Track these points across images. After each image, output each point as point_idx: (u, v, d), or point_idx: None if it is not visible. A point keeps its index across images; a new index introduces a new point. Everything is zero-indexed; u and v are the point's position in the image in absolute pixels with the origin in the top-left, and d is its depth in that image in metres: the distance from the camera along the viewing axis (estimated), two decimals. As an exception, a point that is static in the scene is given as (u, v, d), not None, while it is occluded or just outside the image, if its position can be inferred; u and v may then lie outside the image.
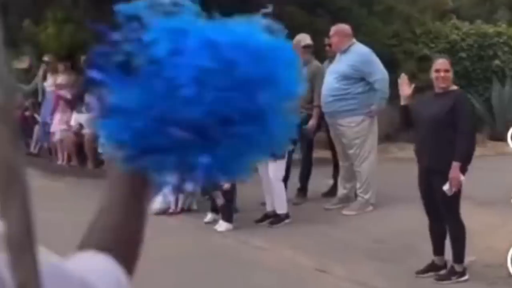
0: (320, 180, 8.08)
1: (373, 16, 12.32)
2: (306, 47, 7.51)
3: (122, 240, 0.81)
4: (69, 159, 10.50)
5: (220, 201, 6.61)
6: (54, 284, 0.62)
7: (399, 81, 5.32)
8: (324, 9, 11.99)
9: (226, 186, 6.60)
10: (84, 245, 0.79)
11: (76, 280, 0.69)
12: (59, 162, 10.61)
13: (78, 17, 11.32)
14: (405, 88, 5.24)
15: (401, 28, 12.60)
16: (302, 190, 7.76)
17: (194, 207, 7.59)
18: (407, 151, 11.29)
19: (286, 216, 6.81)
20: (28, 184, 0.48)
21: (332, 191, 7.75)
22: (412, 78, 11.00)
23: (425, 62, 12.47)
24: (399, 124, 5.52)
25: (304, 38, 7.60)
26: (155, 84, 0.75)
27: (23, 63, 12.87)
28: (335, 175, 7.77)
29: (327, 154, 8.50)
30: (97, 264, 0.76)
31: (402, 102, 5.28)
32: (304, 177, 7.74)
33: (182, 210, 7.49)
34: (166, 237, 6.65)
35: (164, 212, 7.41)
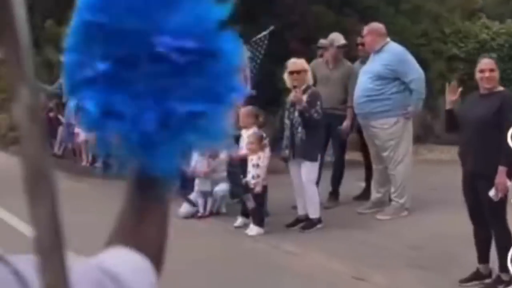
0: (351, 183, 7.87)
1: (401, 15, 12.09)
2: (340, 47, 7.31)
3: (143, 240, 0.79)
4: (94, 160, 10.39)
5: (251, 204, 6.43)
6: (83, 280, 0.63)
7: (448, 89, 5.08)
8: (351, 8, 11.79)
9: (258, 189, 6.43)
10: (111, 242, 0.79)
11: (99, 270, 0.70)
12: (84, 163, 10.52)
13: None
14: (452, 94, 5.02)
15: (430, 28, 12.35)
16: (334, 193, 7.57)
17: (223, 210, 7.42)
18: (436, 153, 11.10)
19: (319, 220, 6.61)
20: (56, 184, 0.48)
21: (364, 195, 7.54)
22: (441, 78, 10.78)
23: (454, 62, 12.24)
24: (445, 126, 5.29)
25: (338, 38, 7.41)
26: None
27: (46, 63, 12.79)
28: (368, 178, 7.56)
29: (357, 155, 8.31)
30: (127, 259, 0.76)
31: (447, 107, 5.06)
32: (336, 180, 7.55)
33: (211, 214, 7.33)
34: (195, 241, 6.51)
35: (192, 215, 7.26)
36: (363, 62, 7.45)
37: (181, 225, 7.12)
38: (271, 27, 9.69)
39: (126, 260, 0.75)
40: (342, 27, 11.14)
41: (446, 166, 8.22)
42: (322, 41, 9.61)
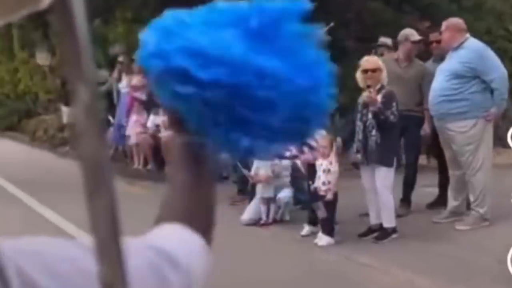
0: (417, 188, 7.38)
1: (463, 12, 11.52)
2: (415, 42, 6.84)
3: (193, 216, 0.79)
4: (146, 162, 10.09)
5: (322, 213, 6.00)
6: (139, 263, 0.64)
7: None
8: (411, 5, 11.29)
9: (329, 196, 6.00)
10: (160, 220, 0.79)
11: (152, 249, 0.70)
12: (135, 166, 10.23)
13: (147, 17, 11.04)
14: None
15: (494, 25, 11.76)
16: (406, 200, 7.09)
17: (287, 217, 7.01)
18: (504, 156, 10.48)
19: (393, 230, 6.14)
20: (114, 183, 0.48)
21: (437, 202, 7.05)
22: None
23: (520, 61, 11.60)
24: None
25: (413, 33, 6.94)
26: None
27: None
28: (442, 185, 7.05)
29: (421, 158, 7.85)
30: (174, 234, 0.75)
31: None
32: (409, 186, 7.07)
33: (274, 221, 6.92)
34: (260, 250, 6.13)
35: (255, 223, 6.87)
36: (437, 60, 6.96)
37: (243, 232, 6.76)
38: (331, 24, 9.26)
39: (178, 238, 0.75)
40: (400, 25, 10.67)
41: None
42: (383, 39, 9.18)
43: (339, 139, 6.49)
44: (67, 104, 12.07)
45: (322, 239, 6.06)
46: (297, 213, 7.15)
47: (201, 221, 0.80)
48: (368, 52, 7.57)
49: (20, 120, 16.70)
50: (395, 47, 8.33)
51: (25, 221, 7.22)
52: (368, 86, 6.01)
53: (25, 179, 10.11)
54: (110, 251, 0.48)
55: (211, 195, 0.84)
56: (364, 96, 6.04)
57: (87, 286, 0.58)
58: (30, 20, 15.74)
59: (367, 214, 6.58)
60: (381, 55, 9.36)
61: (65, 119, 12.58)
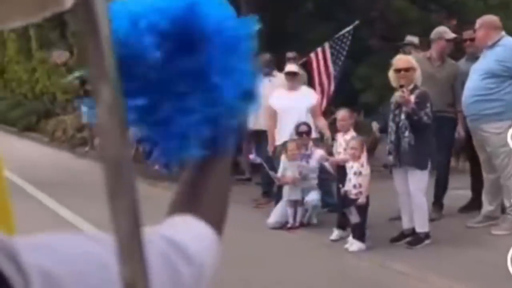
0: (451, 191, 7.14)
1: (490, 10, 11.26)
2: (450, 40, 6.62)
3: (204, 206, 0.78)
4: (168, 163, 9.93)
5: (355, 218, 5.79)
6: (150, 252, 0.61)
7: None
8: (437, 4, 11.05)
9: (361, 200, 5.80)
10: (172, 212, 0.79)
11: (163, 239, 0.69)
12: (157, 166, 10.07)
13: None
14: None
15: (521, 23, 11.45)
16: (437, 203, 6.86)
17: (314, 221, 6.81)
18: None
19: (426, 235, 5.92)
20: (136, 182, 0.49)
21: (470, 206, 6.82)
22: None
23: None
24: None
25: (447, 31, 6.72)
26: None
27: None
28: (475, 188, 6.81)
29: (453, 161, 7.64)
30: (186, 225, 0.75)
31: None
32: (441, 189, 6.85)
33: (301, 225, 6.72)
34: (286, 255, 5.95)
35: (281, 226, 6.68)
36: (470, 59, 6.72)
37: (270, 236, 6.58)
38: (356, 22, 9.10)
39: (190, 229, 0.74)
40: (426, 24, 10.44)
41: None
42: (410, 38, 8.97)
43: (374, 124, 6.30)
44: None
45: (353, 245, 5.85)
46: (324, 216, 6.95)
47: (214, 214, 0.79)
48: (394, 51, 7.39)
49: (39, 120, 16.64)
50: (422, 46, 8.16)
51: (44, 221, 7.12)
52: (401, 86, 5.80)
53: (44, 180, 10.02)
54: (132, 251, 0.48)
55: (226, 188, 0.82)
56: (397, 96, 5.83)
57: (107, 282, 0.58)
58: (48, 20, 15.68)
59: (397, 218, 6.39)
60: (408, 54, 9.19)
61: (84, 119, 12.47)
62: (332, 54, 8.87)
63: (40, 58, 17.90)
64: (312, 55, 8.81)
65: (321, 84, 8.74)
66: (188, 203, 0.79)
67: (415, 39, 8.78)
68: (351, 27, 8.99)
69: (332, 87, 8.93)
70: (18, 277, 0.52)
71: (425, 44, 8.88)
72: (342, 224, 6.22)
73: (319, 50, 8.83)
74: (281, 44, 9.09)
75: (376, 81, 10.85)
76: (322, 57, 8.78)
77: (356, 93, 11.15)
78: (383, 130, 6.22)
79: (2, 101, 19.89)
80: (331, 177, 6.72)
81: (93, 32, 0.46)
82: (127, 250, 0.48)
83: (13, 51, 20.02)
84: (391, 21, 10.94)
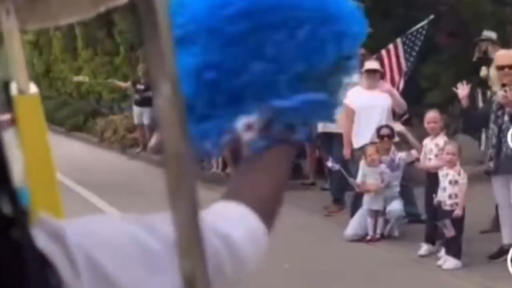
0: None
1: None
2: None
3: (256, 197, 0.75)
4: (224, 166, 9.46)
5: (450, 232, 5.18)
6: None
7: None
8: (510, -4, 10.33)
9: (457, 212, 5.19)
10: (227, 196, 0.76)
11: (213, 232, 0.67)
12: (214, 169, 9.62)
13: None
14: None
15: None
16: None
17: (395, 233, 6.20)
18: None
19: (530, 252, 5.27)
20: (196, 180, 0.48)
21: None
22: None
23: None
24: None
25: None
26: None
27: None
28: None
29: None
30: (238, 216, 0.73)
31: None
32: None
33: (382, 237, 6.13)
34: (368, 271, 5.39)
35: (360, 239, 6.10)
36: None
37: (348, 250, 6.02)
38: (431, 16, 8.51)
39: (242, 222, 0.72)
40: (499, 18, 9.78)
41: None
42: (487, 33, 8.41)
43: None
44: (140, 104, 11.54)
45: (448, 262, 5.24)
46: (406, 227, 6.35)
47: (268, 207, 0.76)
48: (462, 47, 6.84)
49: (86, 120, 16.34)
50: (501, 42, 7.62)
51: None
52: (504, 85, 5.18)
53: (96, 181, 9.65)
54: (191, 246, 0.48)
55: (283, 182, 0.79)
56: (499, 95, 5.21)
57: (151, 266, 0.58)
58: (94, 18, 15.40)
59: (489, 231, 5.80)
60: (485, 51, 8.53)
61: (136, 120, 12.08)
62: (404, 51, 8.29)
63: (86, 57, 17.64)
64: (383, 51, 8.23)
65: (392, 81, 8.16)
66: (241, 192, 0.75)
67: (492, 34, 8.20)
68: (425, 22, 8.42)
69: (402, 85, 8.36)
70: (64, 258, 0.53)
71: (503, 40, 8.24)
72: (431, 238, 5.62)
73: (391, 46, 8.26)
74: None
75: (442, 80, 10.24)
76: (394, 54, 8.21)
77: (422, 92, 10.54)
78: (468, 131, 5.63)
79: (48, 100, 19.72)
80: (415, 183, 6.14)
81: (153, 27, 0.46)
82: (187, 244, 0.48)
83: (59, 50, 19.82)
84: (460, 15, 10.28)
